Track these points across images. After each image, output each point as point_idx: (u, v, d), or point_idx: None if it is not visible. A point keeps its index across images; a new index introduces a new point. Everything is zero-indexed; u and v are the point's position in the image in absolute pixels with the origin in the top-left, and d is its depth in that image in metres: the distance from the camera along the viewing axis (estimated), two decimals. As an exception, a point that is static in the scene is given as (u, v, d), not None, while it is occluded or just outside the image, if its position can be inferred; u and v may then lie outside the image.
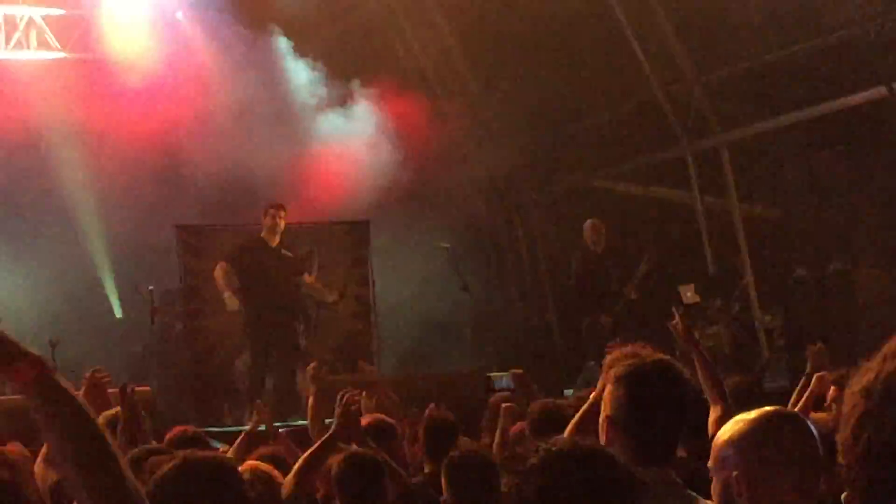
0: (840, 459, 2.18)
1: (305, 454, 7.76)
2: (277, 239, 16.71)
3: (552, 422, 7.65)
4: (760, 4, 16.21)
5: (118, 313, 20.54)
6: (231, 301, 16.70)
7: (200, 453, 4.13)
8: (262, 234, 16.76)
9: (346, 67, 20.82)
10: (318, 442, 7.98)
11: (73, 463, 3.04)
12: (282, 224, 16.66)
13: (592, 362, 13.69)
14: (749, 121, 17.04)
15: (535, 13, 17.66)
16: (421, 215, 19.37)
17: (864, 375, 2.12)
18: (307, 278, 17.23)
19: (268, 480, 7.00)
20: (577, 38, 17.77)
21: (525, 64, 18.68)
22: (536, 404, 8.82)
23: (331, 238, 19.00)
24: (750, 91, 16.99)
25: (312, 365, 12.46)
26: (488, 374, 16.02)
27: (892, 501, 2.07)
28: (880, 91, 15.36)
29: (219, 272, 16.73)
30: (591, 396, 6.33)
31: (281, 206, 16.90)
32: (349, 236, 19.05)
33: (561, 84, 18.36)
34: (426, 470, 8.38)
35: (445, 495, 6.56)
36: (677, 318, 6.96)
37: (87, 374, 8.45)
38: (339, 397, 8.50)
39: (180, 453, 4.27)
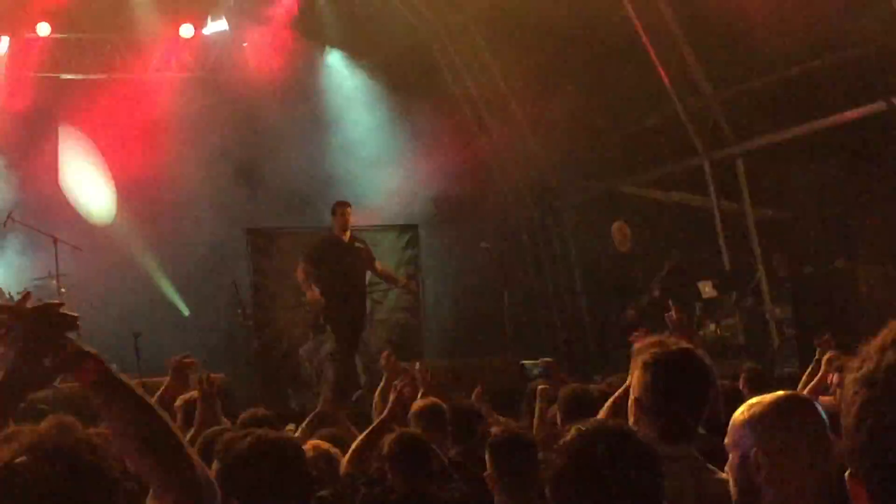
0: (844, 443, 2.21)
1: (362, 435, 8.18)
2: (348, 234, 16.97)
3: (580, 406, 7.82)
4: (771, 27, 15.87)
5: (185, 312, 20.32)
6: (313, 297, 16.82)
7: (270, 433, 4.26)
8: (335, 232, 16.99)
9: (398, 84, 20.88)
10: (374, 424, 8.31)
11: (136, 450, 3.37)
12: (350, 220, 16.97)
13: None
14: (761, 132, 17.26)
15: (568, 39, 17.73)
16: (465, 220, 19.48)
17: (865, 363, 2.07)
18: (377, 265, 17.42)
19: (329, 458, 7.68)
20: (607, 60, 17.99)
21: (559, 83, 18.75)
22: (566, 389, 9.00)
23: (384, 240, 19.05)
24: (761, 105, 17.20)
25: (386, 353, 12.86)
26: (522, 363, 16.59)
27: (873, 459, 2.04)
28: (880, 105, 15.40)
29: (300, 273, 16.94)
30: (626, 383, 6.29)
31: (348, 203, 17.16)
32: (400, 239, 19.24)
33: (591, 101, 18.42)
34: (452, 452, 8.45)
35: (489, 470, 6.44)
36: (674, 312, 7.09)
37: (175, 359, 9.20)
38: (394, 385, 9.08)
39: (253, 432, 4.48)
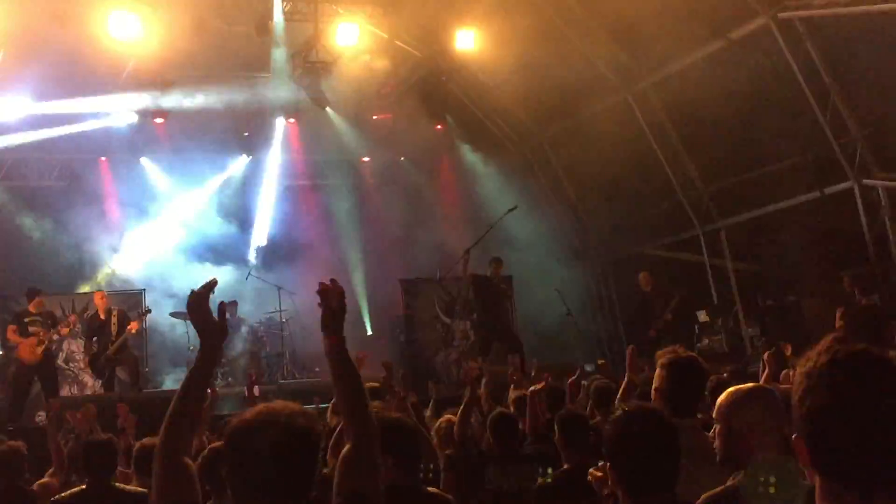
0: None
1: (460, 411, 7.98)
2: (496, 279, 17.03)
3: (610, 393, 7.69)
4: (740, 146, 16.81)
5: (369, 331, 20.71)
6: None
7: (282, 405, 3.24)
8: (489, 275, 16.88)
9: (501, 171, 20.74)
10: (463, 405, 8.04)
11: (340, 394, 3.62)
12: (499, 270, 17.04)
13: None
14: (737, 212, 17.95)
15: (611, 160, 18.37)
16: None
17: (807, 363, 2.20)
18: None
19: (451, 426, 8.03)
20: (632, 167, 18.63)
21: (606, 188, 19.56)
22: (592, 383, 9.00)
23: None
24: (737, 194, 17.74)
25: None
26: (582, 365, 16.85)
27: (824, 445, 2.14)
28: (814, 194, 16.11)
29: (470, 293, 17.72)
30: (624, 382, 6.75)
31: (499, 259, 17.17)
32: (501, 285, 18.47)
33: (624, 195, 19.44)
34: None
35: (557, 437, 6.35)
36: (630, 351, 7.03)
37: (358, 354, 10.51)
38: (474, 377, 8.96)
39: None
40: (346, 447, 3.47)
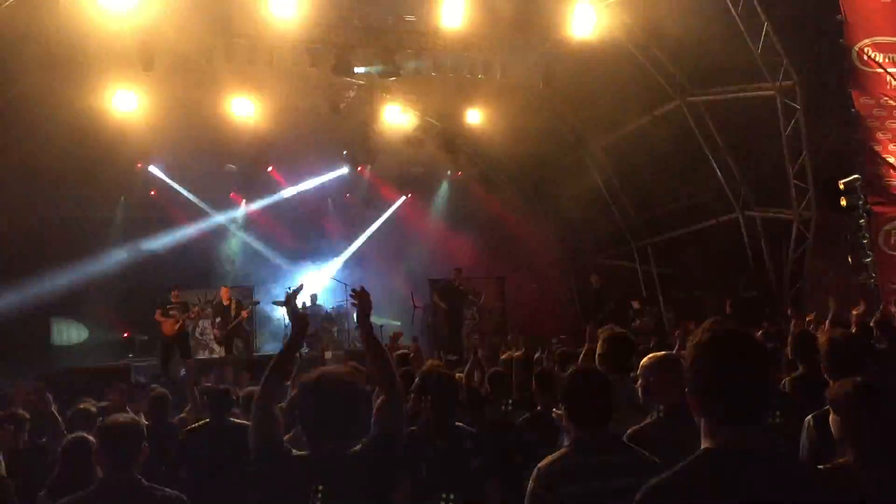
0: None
1: (466, 369, 7.64)
2: (457, 282, 16.81)
3: (566, 359, 7.15)
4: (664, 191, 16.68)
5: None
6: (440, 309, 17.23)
7: (336, 367, 3.41)
8: (452, 279, 16.83)
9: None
10: (468, 365, 7.80)
11: (373, 363, 3.48)
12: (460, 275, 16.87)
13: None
14: (660, 233, 17.90)
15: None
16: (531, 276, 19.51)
17: (694, 337, 2.21)
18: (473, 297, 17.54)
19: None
20: (586, 201, 18.19)
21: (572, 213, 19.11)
22: (558, 350, 8.43)
23: (488, 285, 19.49)
24: (660, 220, 17.63)
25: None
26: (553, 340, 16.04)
27: (706, 394, 2.14)
28: (712, 221, 16.10)
29: (436, 298, 17.52)
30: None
31: (459, 269, 17.09)
32: (495, 284, 19.57)
33: (582, 218, 18.96)
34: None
35: (534, 387, 5.85)
36: (589, 328, 6.84)
37: (392, 334, 9.39)
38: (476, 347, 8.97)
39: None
40: (380, 399, 3.40)
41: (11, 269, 14.56)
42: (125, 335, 16.89)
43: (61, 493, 3.66)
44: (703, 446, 2.20)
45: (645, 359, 4.16)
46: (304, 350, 15.45)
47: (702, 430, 2.22)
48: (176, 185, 18.21)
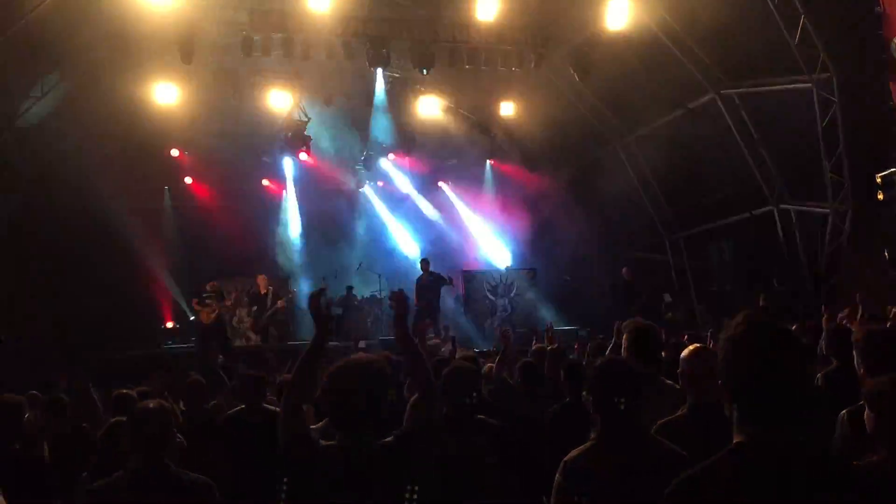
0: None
1: (497, 360, 7.42)
2: (423, 279, 15.65)
3: (598, 350, 7.28)
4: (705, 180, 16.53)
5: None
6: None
7: (364, 356, 3.26)
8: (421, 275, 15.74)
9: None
10: (500, 357, 7.51)
11: (407, 360, 3.44)
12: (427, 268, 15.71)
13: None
14: (693, 227, 17.56)
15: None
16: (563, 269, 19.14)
17: (728, 330, 2.14)
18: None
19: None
20: (617, 193, 17.96)
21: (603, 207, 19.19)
22: (591, 342, 8.46)
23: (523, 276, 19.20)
24: (693, 213, 17.28)
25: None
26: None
27: (738, 388, 2.08)
28: (745, 214, 15.81)
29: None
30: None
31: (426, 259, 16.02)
32: (527, 276, 19.16)
33: (613, 212, 18.85)
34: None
35: (563, 378, 5.88)
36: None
37: (419, 324, 9.59)
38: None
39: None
40: (415, 396, 3.48)
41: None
42: (167, 323, 17.05)
43: (101, 476, 3.71)
44: (735, 440, 2.13)
45: (684, 351, 4.09)
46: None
47: (734, 425, 2.15)
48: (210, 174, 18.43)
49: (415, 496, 2.95)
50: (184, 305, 16.11)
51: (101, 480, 3.57)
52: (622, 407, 3.30)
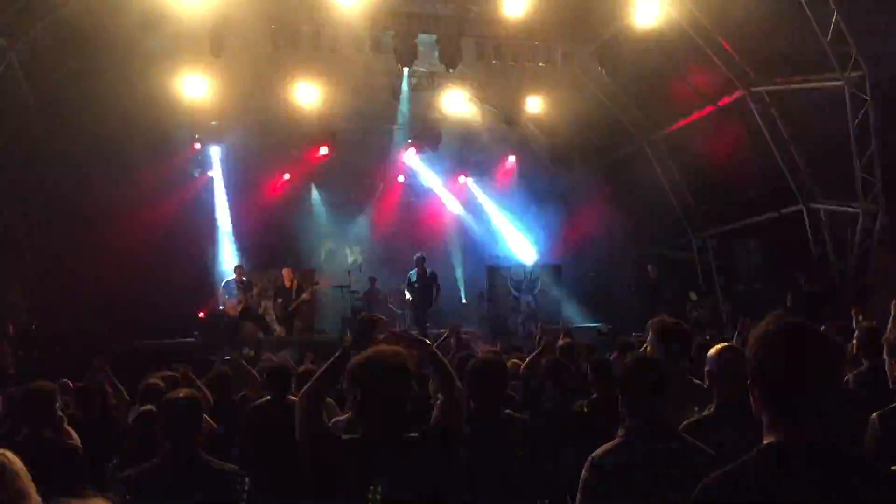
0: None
1: (531, 358, 7.43)
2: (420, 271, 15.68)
3: (625, 347, 7.41)
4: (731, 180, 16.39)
5: (464, 300, 20.31)
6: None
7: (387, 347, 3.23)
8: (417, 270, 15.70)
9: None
10: (535, 353, 7.49)
11: (436, 374, 3.48)
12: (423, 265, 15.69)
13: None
14: (720, 225, 17.48)
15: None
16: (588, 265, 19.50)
17: (758, 330, 2.12)
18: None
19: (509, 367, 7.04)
20: (647, 200, 18.16)
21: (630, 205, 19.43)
22: (617, 339, 8.51)
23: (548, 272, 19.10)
24: (720, 212, 17.19)
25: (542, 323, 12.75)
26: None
27: (768, 387, 2.08)
28: (774, 213, 15.72)
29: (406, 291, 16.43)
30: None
31: (422, 256, 15.80)
32: (552, 272, 19.08)
33: (640, 209, 18.88)
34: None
35: (590, 375, 5.77)
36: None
37: (450, 324, 9.45)
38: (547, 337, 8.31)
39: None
40: (441, 399, 3.41)
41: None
42: (200, 315, 17.19)
43: (131, 463, 3.82)
44: (765, 441, 2.10)
45: (711, 350, 4.03)
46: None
47: (764, 425, 2.13)
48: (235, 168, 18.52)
49: (378, 495, 2.93)
50: (216, 296, 16.20)
51: (134, 468, 3.65)
52: (651, 405, 3.29)
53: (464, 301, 20.23)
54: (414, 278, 15.59)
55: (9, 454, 2.38)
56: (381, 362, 3.08)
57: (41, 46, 12.61)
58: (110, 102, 13.77)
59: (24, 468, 2.36)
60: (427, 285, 15.54)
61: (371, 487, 2.93)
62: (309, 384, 3.27)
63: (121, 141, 14.68)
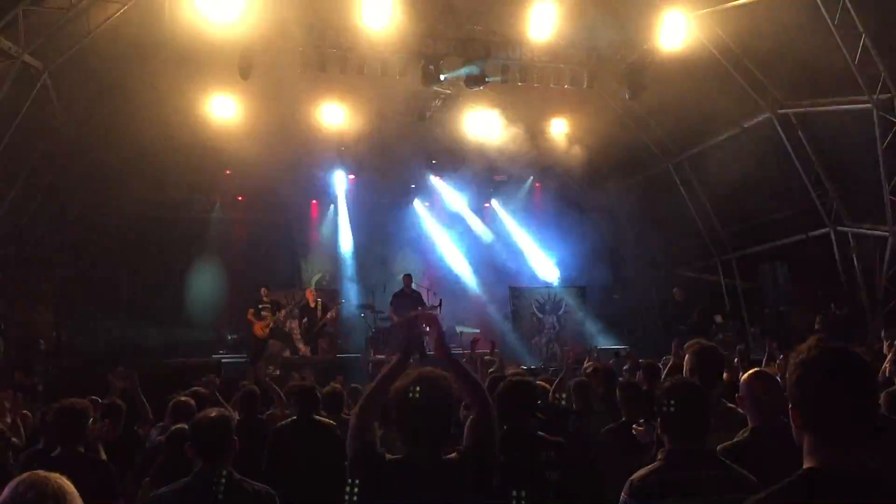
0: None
1: (559, 380, 7.39)
2: (407, 290, 15.64)
3: (651, 371, 7.15)
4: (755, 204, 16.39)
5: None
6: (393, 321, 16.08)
7: (429, 370, 3.18)
8: (403, 288, 15.73)
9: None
10: (560, 378, 7.48)
11: (461, 382, 3.28)
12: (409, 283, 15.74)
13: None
14: (746, 247, 17.41)
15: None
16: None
17: (799, 355, 2.12)
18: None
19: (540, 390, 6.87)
20: (673, 220, 18.09)
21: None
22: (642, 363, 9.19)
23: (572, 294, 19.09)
24: (746, 234, 17.23)
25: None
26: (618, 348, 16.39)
27: (814, 412, 2.06)
28: (801, 236, 15.63)
29: (390, 312, 16.13)
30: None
31: (409, 275, 15.88)
32: (576, 294, 19.06)
33: (678, 235, 18.60)
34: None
35: (619, 398, 5.77)
36: (674, 343, 6.62)
37: (472, 340, 9.20)
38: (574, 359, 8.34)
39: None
40: (473, 415, 3.39)
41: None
42: (230, 336, 17.25)
43: (164, 481, 3.81)
44: (805, 465, 2.09)
45: (745, 376, 4.04)
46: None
47: (804, 449, 2.12)
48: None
49: (354, 497, 2.93)
50: (243, 316, 16.31)
51: (166, 486, 3.66)
52: (691, 429, 3.29)
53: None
54: (401, 296, 15.54)
55: (63, 479, 2.38)
56: (428, 384, 3.07)
57: (73, 69, 12.80)
58: (140, 123, 13.96)
59: (75, 490, 2.37)
60: (413, 305, 15.31)
61: (348, 487, 2.94)
62: (364, 399, 3.26)
63: (150, 160, 14.83)
